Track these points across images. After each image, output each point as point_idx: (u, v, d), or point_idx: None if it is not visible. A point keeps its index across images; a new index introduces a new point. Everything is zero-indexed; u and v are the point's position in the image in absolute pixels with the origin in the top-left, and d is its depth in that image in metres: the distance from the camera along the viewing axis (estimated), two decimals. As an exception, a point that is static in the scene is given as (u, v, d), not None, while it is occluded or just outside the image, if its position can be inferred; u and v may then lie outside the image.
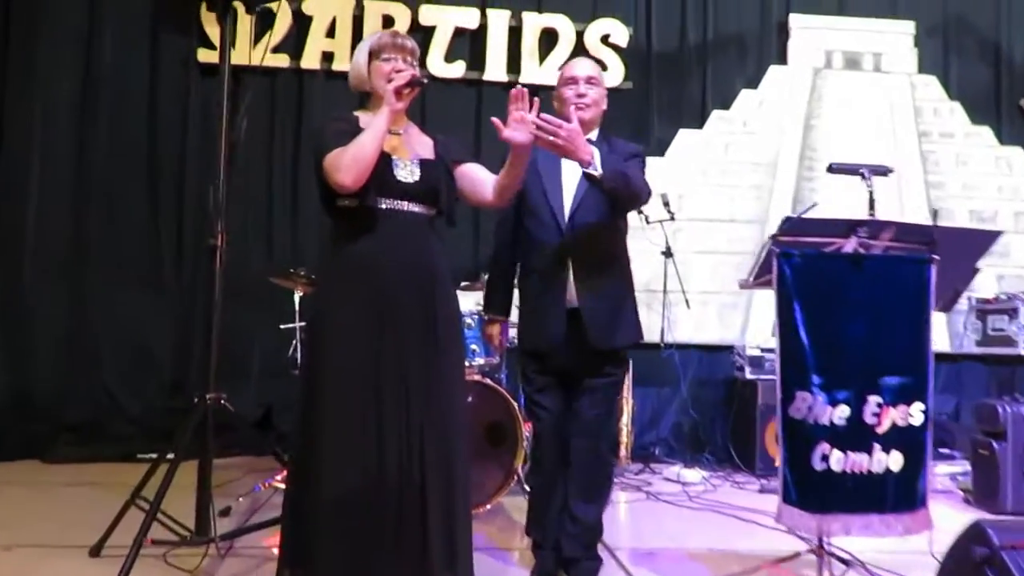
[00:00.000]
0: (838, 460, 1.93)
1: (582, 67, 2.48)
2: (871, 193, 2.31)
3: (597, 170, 2.19)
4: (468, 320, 3.23)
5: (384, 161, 2.07)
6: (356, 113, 2.26)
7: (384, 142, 2.10)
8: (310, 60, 4.55)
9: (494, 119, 2.07)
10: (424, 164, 2.14)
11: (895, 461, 1.93)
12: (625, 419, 4.32)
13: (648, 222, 4.28)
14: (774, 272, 2.09)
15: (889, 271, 2.04)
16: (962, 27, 5.11)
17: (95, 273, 4.40)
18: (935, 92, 5.02)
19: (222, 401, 2.53)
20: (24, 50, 4.44)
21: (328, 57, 4.55)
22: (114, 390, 4.36)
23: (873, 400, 1.94)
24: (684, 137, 4.84)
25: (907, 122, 4.96)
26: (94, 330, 4.38)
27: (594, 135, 2.49)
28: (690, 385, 4.64)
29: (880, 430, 1.93)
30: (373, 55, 2.19)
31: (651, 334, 4.45)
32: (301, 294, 3.50)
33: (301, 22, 4.55)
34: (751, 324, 4.73)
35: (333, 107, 4.37)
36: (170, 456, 2.44)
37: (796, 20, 4.95)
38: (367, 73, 2.19)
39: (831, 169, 2.46)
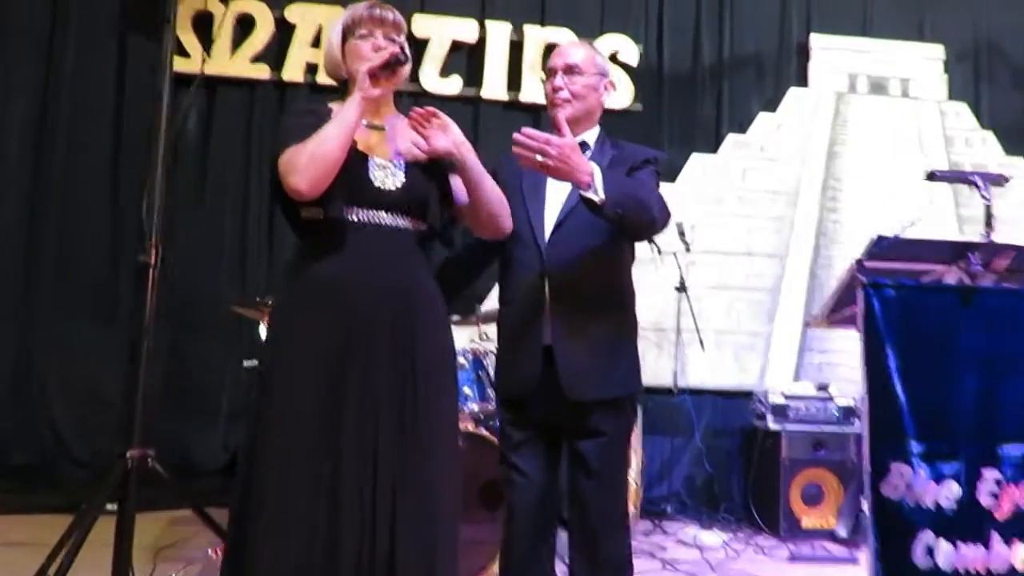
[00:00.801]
0: (947, 555, 1.50)
1: (559, 54, 2.05)
2: (988, 208, 1.89)
3: (598, 194, 1.76)
4: (461, 360, 2.81)
5: (358, 162, 1.68)
6: (331, 104, 1.86)
7: (359, 138, 1.70)
8: (293, 71, 4.17)
9: (413, 110, 1.73)
10: (411, 167, 1.74)
11: (1022, 557, 1.49)
12: (633, 471, 3.88)
13: (660, 253, 3.89)
14: (860, 308, 1.68)
15: (1009, 309, 1.62)
16: (994, 53, 4.79)
17: (45, 302, 3.96)
18: (966, 120, 4.68)
19: (149, 459, 2.08)
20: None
21: (312, 69, 4.17)
22: (61, 431, 3.90)
23: (990, 476, 1.53)
24: (697, 162, 4.47)
25: (937, 151, 4.60)
26: (41, 364, 3.93)
27: (590, 137, 2.05)
28: (704, 434, 4.21)
29: (1000, 515, 1.51)
30: (348, 32, 1.79)
31: (662, 377, 4.04)
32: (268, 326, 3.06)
33: (284, 30, 4.18)
34: (771, 368, 4.31)
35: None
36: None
37: (817, 40, 4.61)
38: (341, 55, 1.80)
39: (932, 177, 2.03)
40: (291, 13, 4.17)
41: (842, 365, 4.31)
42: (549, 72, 2.02)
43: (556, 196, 1.96)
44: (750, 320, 4.36)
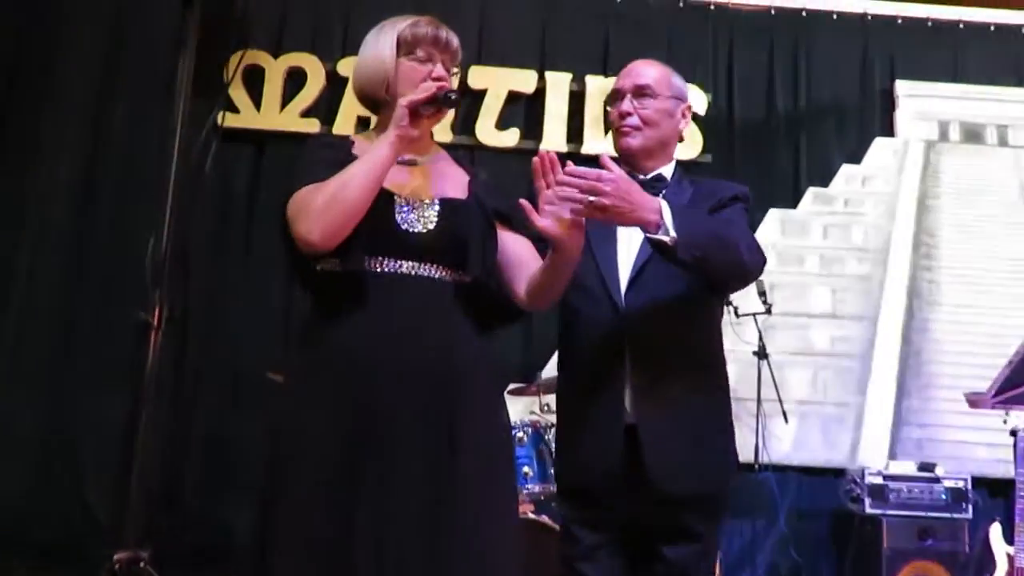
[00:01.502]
0: None
1: (627, 73, 1.75)
2: None
3: (669, 234, 1.46)
4: (519, 434, 2.49)
5: (382, 201, 1.42)
6: (354, 137, 1.61)
7: (387, 176, 1.43)
8: (344, 126, 3.99)
9: (522, 201, 1.41)
10: (447, 205, 1.48)
11: None
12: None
13: (737, 315, 3.53)
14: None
15: None
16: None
17: (81, 367, 3.77)
18: (1071, 170, 4.26)
19: (141, 563, 1.78)
20: (26, 118, 3.99)
21: (364, 123, 3.98)
22: (92, 503, 3.66)
23: None
24: (775, 217, 4.13)
25: (1043, 204, 4.18)
26: (73, 437, 3.72)
27: (666, 172, 1.76)
28: (789, 516, 3.77)
29: None
30: (400, 48, 1.52)
31: (742, 452, 3.61)
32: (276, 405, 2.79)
33: (335, 84, 4.03)
34: (864, 443, 3.87)
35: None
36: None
37: (903, 87, 4.27)
38: (394, 71, 1.52)
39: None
40: (343, 67, 4.01)
41: (945, 442, 3.85)
42: (614, 95, 1.73)
43: (631, 239, 1.66)
44: (838, 390, 3.94)
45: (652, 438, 1.57)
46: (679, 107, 1.77)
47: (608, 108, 1.78)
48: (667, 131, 1.75)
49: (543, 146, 4.10)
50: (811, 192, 4.17)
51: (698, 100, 4.16)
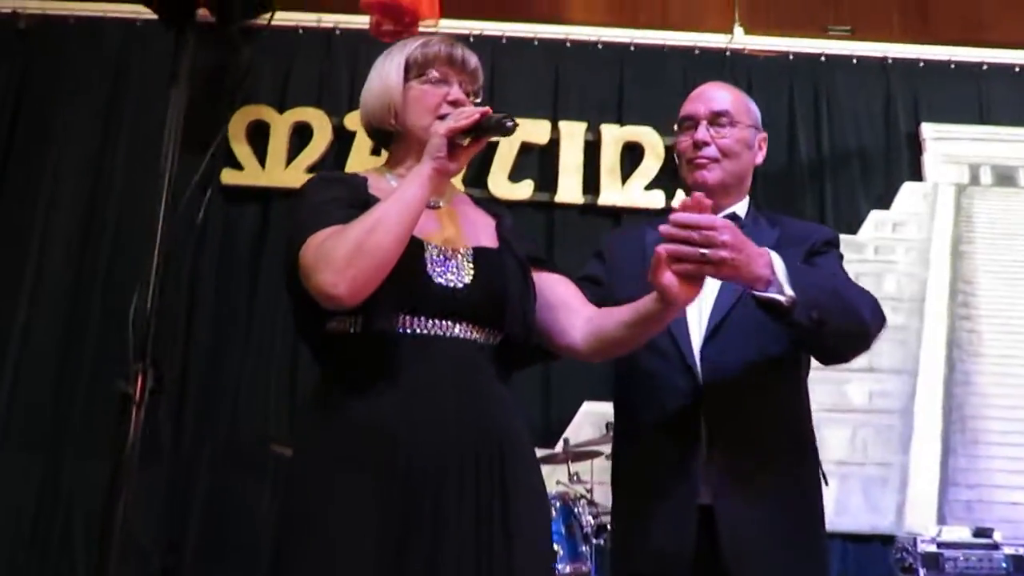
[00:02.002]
0: None
1: (699, 98, 1.58)
2: None
3: (785, 292, 1.27)
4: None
5: (413, 252, 1.24)
6: (365, 173, 1.43)
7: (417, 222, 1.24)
8: (352, 181, 3.85)
9: (660, 248, 1.21)
10: (482, 256, 1.31)
11: None
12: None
13: (771, 371, 3.33)
14: None
15: None
16: None
17: (75, 436, 3.56)
18: (1112, 211, 4.08)
19: None
20: (29, 167, 3.85)
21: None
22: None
23: None
24: (803, 267, 3.93)
25: (1083, 247, 4.00)
26: (69, 505, 3.49)
27: (741, 210, 1.59)
28: (836, 590, 3.50)
29: None
30: (410, 70, 1.36)
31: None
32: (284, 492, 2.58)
33: (342, 138, 3.90)
34: (910, 506, 3.62)
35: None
36: None
37: (929, 130, 4.12)
38: (400, 98, 1.35)
39: None
40: (350, 121, 3.88)
41: (997, 503, 3.59)
42: (685, 122, 1.56)
43: (704, 289, 1.47)
44: (879, 449, 3.70)
45: (732, 521, 1.37)
46: (756, 137, 1.61)
47: (680, 140, 1.60)
48: (746, 163, 1.59)
49: (558, 197, 3.95)
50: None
51: (718, 148, 4.02)
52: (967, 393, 3.76)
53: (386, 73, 1.38)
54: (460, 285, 1.27)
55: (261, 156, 3.85)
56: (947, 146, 4.11)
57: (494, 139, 1.34)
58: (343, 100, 3.92)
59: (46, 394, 3.62)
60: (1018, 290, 3.91)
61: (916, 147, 4.14)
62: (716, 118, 1.54)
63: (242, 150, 3.81)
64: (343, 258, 1.16)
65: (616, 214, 3.95)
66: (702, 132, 1.53)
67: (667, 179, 3.90)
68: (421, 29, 3.47)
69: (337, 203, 1.25)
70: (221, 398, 3.57)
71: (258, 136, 3.87)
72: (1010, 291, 3.91)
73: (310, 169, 3.82)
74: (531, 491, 1.27)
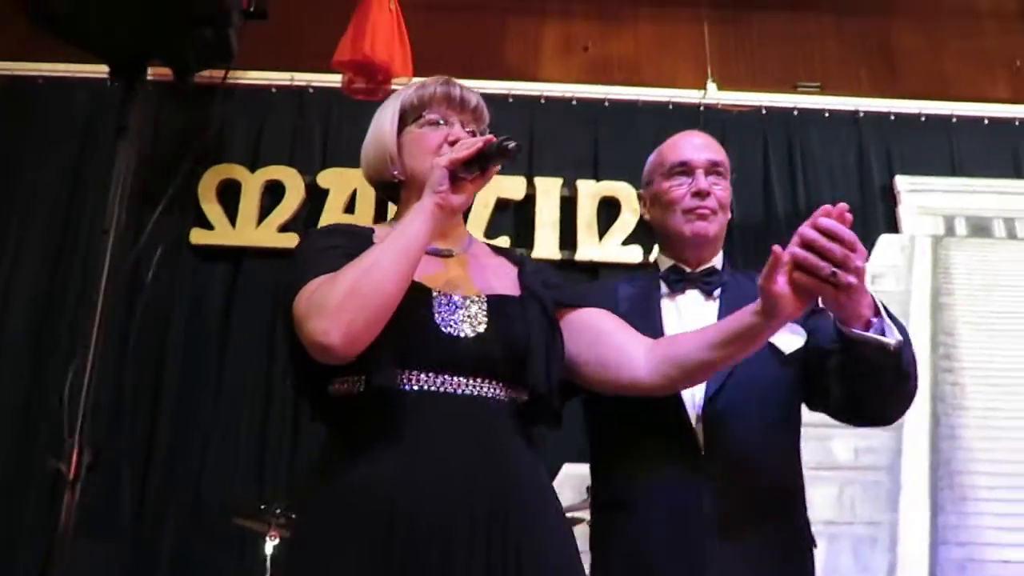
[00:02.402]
0: None
1: (692, 146, 1.55)
2: None
3: (892, 335, 1.20)
4: None
5: (418, 299, 1.17)
6: (372, 225, 1.34)
7: (420, 268, 1.16)
8: (324, 239, 3.78)
9: (783, 251, 1.17)
10: (497, 304, 1.22)
11: None
12: None
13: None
14: None
15: None
16: (1103, 186, 4.26)
17: (39, 507, 3.39)
18: (1087, 260, 4.09)
19: None
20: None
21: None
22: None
23: None
24: (784, 321, 3.88)
25: (1060, 296, 3.99)
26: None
27: (718, 264, 1.56)
28: (827, 655, 3.37)
29: None
30: (406, 116, 1.31)
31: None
32: (275, 541, 2.45)
33: (315, 196, 3.84)
34: (901, 566, 3.51)
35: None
36: None
37: (903, 183, 4.14)
38: (395, 147, 1.29)
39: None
40: (323, 178, 3.84)
41: (989, 561, 3.50)
42: (678, 169, 1.51)
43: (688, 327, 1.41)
44: (867, 507, 3.60)
45: None
46: (730, 191, 1.57)
47: (667, 184, 1.55)
48: (728, 218, 1.58)
49: (535, 253, 3.90)
50: (819, 294, 3.96)
51: (694, 202, 4.01)
52: (953, 448, 3.70)
53: (381, 122, 1.34)
54: (472, 335, 1.18)
55: (232, 215, 3.78)
56: (921, 198, 4.13)
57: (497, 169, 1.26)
58: (316, 158, 3.89)
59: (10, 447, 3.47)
60: (998, 341, 3.88)
61: (891, 199, 4.15)
62: (713, 168, 1.52)
63: (212, 209, 3.74)
64: (336, 303, 1.07)
65: (594, 269, 3.91)
66: (704, 181, 1.49)
67: (644, 234, 3.87)
68: (393, 86, 3.45)
69: (336, 251, 1.18)
70: (187, 466, 3.42)
71: (229, 195, 3.81)
72: (990, 342, 3.88)
73: (282, 228, 3.76)
74: (554, 559, 1.16)
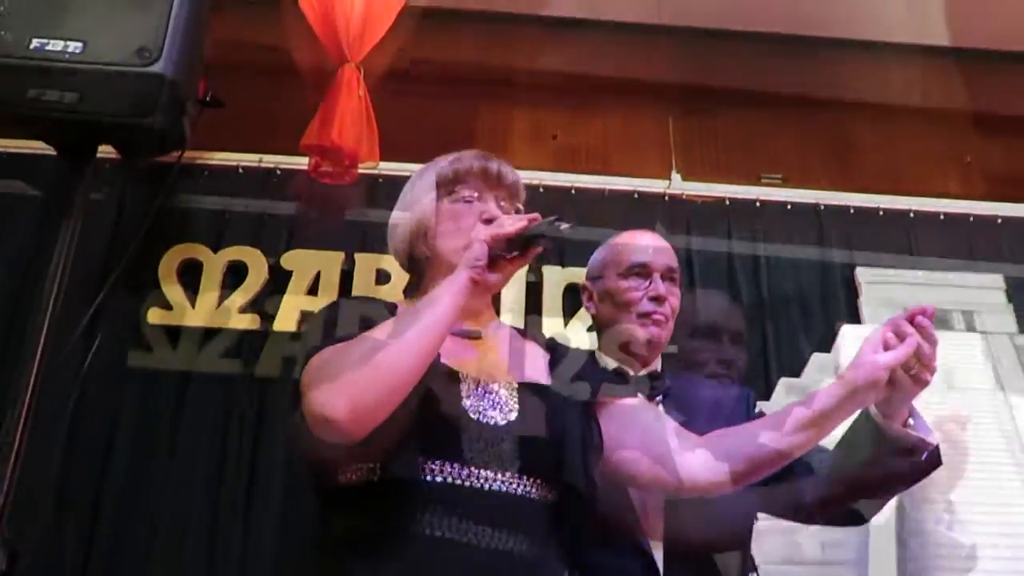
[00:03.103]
0: None
1: (657, 249, 1.54)
2: None
3: (933, 434, 1.28)
4: None
5: (445, 382, 1.11)
6: (396, 302, 1.28)
7: (444, 349, 1.10)
8: (285, 321, 3.72)
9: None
10: (529, 391, 1.16)
11: None
12: None
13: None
14: None
15: None
16: (1058, 282, 4.36)
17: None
18: (1046, 355, 4.14)
19: None
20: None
21: (307, 317, 3.72)
22: None
23: None
24: (749, 411, 3.86)
25: (1020, 387, 4.01)
26: None
27: (657, 365, 1.64)
28: None
29: None
30: (441, 189, 1.27)
31: None
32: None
33: (278, 278, 3.80)
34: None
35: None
36: None
37: (863, 274, 4.21)
38: (434, 219, 1.24)
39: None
40: (287, 260, 3.81)
41: (958, 661, 3.41)
42: (636, 270, 1.49)
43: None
44: (836, 603, 3.51)
45: None
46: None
47: (621, 284, 1.53)
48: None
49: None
50: (783, 383, 3.95)
51: (659, 290, 4.02)
52: (919, 544, 3.64)
53: (416, 195, 1.29)
54: (503, 423, 1.09)
55: (192, 295, 3.72)
56: (882, 290, 4.18)
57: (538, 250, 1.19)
58: (281, 239, 3.86)
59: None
60: (962, 431, 3.87)
61: (853, 291, 4.20)
62: (669, 273, 1.52)
63: (172, 289, 3.68)
64: (346, 373, 0.98)
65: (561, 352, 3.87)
66: (662, 287, 1.49)
67: (609, 321, 3.86)
68: (361, 170, 3.47)
69: (358, 324, 1.12)
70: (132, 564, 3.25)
71: (190, 275, 3.75)
72: (955, 433, 3.87)
73: (242, 309, 3.70)
74: None
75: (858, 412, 1.29)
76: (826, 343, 4.08)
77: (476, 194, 1.28)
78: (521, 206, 1.32)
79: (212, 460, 3.44)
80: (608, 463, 1.19)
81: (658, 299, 1.48)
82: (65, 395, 2.90)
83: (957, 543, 3.66)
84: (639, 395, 1.31)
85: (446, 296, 1.09)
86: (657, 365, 1.52)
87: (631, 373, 1.48)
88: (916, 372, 1.17)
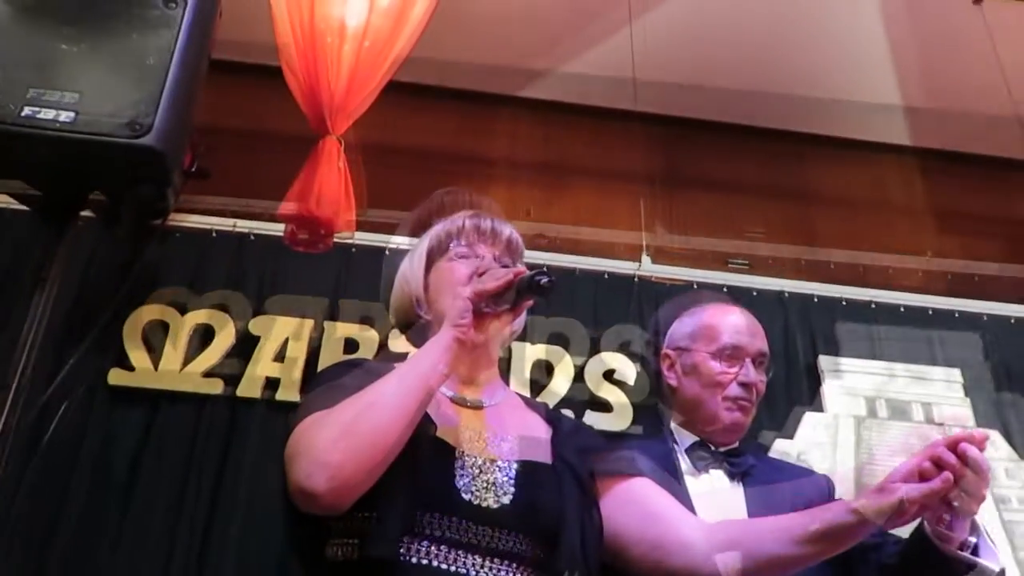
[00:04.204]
0: None
1: (752, 332, 1.52)
2: None
3: (996, 560, 1.19)
4: None
5: (436, 456, 1.05)
6: (397, 364, 1.21)
7: (439, 420, 1.06)
8: (250, 388, 3.66)
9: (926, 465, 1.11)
10: (528, 471, 1.11)
11: None
12: None
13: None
14: None
15: None
16: (1012, 377, 4.46)
17: None
18: (1002, 450, 4.20)
19: None
20: None
21: (272, 384, 3.68)
22: None
23: None
24: (712, 495, 3.85)
25: (979, 484, 4.06)
26: None
27: (737, 443, 1.65)
28: None
29: None
30: (434, 252, 1.25)
31: None
32: None
33: (245, 343, 3.76)
34: None
35: (271, 442, 3.43)
36: None
37: (826, 363, 4.28)
38: (422, 286, 1.22)
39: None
40: (255, 325, 3.78)
41: None
42: (728, 352, 1.47)
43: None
44: None
45: None
46: None
47: (713, 365, 1.50)
48: None
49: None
50: (747, 469, 3.96)
51: (627, 370, 4.05)
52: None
53: (412, 259, 1.25)
54: (495, 506, 1.03)
55: (156, 358, 3.66)
56: (844, 379, 4.25)
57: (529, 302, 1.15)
58: (250, 304, 3.83)
59: None
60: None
61: (815, 378, 4.26)
62: (760, 358, 1.50)
63: (135, 350, 3.62)
64: (326, 443, 0.95)
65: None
66: (753, 374, 1.47)
67: (577, 396, 3.87)
68: (336, 240, 3.50)
69: (345, 390, 1.04)
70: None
71: (156, 337, 3.70)
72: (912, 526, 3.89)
73: (206, 373, 3.64)
74: None
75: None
76: (789, 430, 4.12)
77: (470, 249, 1.24)
78: (521, 260, 1.28)
79: (165, 526, 3.34)
80: (604, 544, 1.12)
81: (747, 385, 1.47)
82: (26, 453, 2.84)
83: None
84: (644, 472, 1.23)
85: (430, 357, 1.05)
86: (737, 443, 1.51)
87: (713, 449, 1.45)
88: (959, 504, 1.05)
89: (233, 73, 4.44)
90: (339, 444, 0.94)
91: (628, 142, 5.01)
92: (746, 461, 1.41)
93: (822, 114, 5.28)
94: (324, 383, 1.13)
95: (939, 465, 1.11)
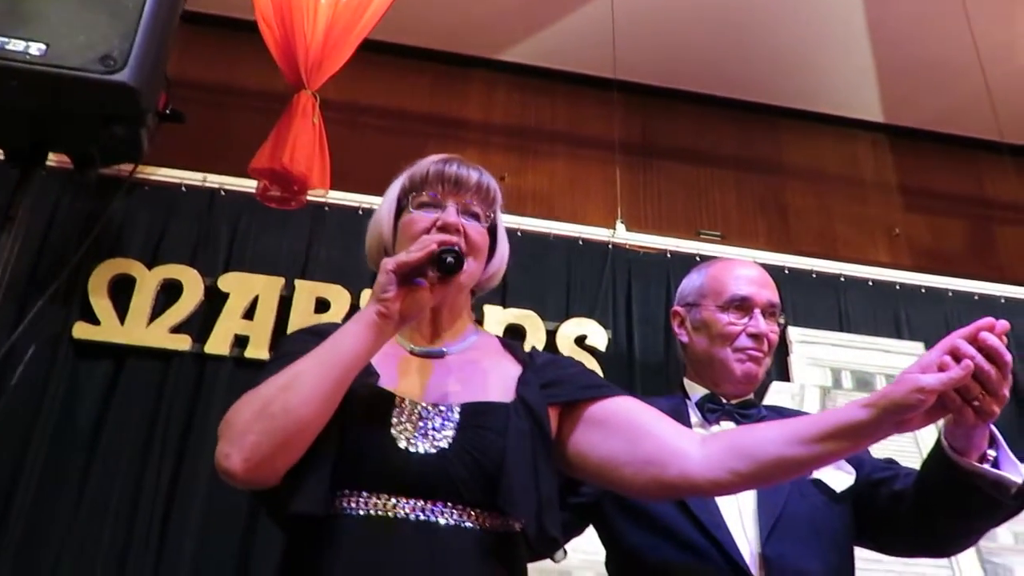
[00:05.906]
0: None
1: (760, 283, 1.50)
2: None
3: (1019, 472, 1.13)
4: None
5: (377, 407, 1.04)
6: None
7: (397, 369, 1.05)
8: (218, 344, 3.62)
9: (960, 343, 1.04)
10: (473, 413, 1.07)
11: None
12: None
13: None
14: None
15: None
16: (973, 352, 4.56)
17: None
18: (960, 422, 4.30)
19: None
20: None
21: (241, 341, 3.63)
22: None
23: None
24: (678, 462, 3.90)
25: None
26: None
27: (751, 395, 1.63)
28: None
29: None
30: (403, 199, 1.20)
31: None
32: None
33: (213, 299, 3.70)
34: None
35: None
36: None
37: (795, 333, 4.33)
38: (391, 233, 1.18)
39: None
40: (224, 282, 3.71)
41: None
42: (736, 303, 1.46)
43: None
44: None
45: None
46: None
47: (720, 317, 1.48)
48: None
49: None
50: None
51: (598, 336, 4.06)
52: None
53: (382, 207, 1.21)
54: (431, 450, 1.02)
55: (122, 312, 3.59)
56: (811, 350, 4.31)
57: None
58: (219, 261, 3.77)
59: None
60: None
61: (784, 348, 4.31)
62: (770, 308, 1.49)
63: (101, 304, 3.54)
64: (242, 424, 0.95)
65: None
66: (763, 324, 1.46)
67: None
68: (309, 197, 3.44)
69: (291, 359, 1.02)
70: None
71: (121, 291, 3.63)
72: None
73: (173, 329, 3.59)
74: None
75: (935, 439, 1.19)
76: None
77: (435, 199, 1.20)
78: (495, 207, 1.24)
79: (129, 482, 3.30)
80: (587, 470, 1.11)
81: (758, 336, 1.45)
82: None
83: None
84: (623, 392, 1.20)
85: (352, 335, 1.02)
86: (750, 395, 1.51)
87: (723, 402, 1.44)
88: (980, 404, 1.02)
89: (207, 25, 4.32)
90: (254, 426, 0.95)
91: (605, 109, 4.99)
92: (758, 412, 1.41)
93: (797, 88, 5.30)
94: (278, 355, 1.12)
95: (957, 358, 1.03)
